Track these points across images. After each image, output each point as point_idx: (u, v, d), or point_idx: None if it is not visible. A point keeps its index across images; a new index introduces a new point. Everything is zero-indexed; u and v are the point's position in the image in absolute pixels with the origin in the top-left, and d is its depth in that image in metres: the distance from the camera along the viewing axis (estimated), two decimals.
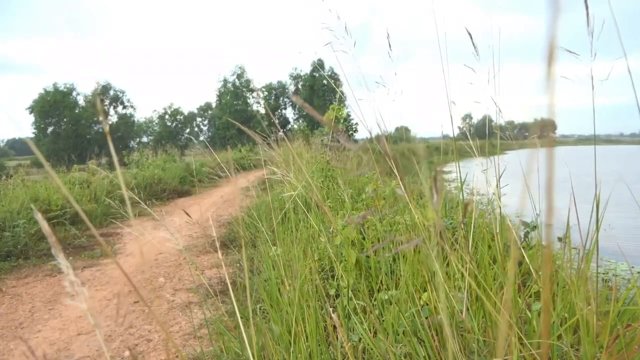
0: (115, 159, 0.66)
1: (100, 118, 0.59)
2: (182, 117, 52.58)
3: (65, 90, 42.76)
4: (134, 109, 48.49)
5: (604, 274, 4.16)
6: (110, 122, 46.44)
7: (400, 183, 0.74)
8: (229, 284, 1.04)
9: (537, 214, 1.97)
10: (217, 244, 1.28)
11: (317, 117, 0.50)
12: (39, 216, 0.56)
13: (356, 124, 6.39)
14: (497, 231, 1.65)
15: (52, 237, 0.54)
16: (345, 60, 1.75)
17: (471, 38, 1.35)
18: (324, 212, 2.89)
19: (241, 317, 1.01)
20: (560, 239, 1.66)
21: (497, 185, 1.71)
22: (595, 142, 1.22)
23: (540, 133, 0.39)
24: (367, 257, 2.25)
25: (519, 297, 1.44)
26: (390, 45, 1.65)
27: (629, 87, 1.08)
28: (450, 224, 2.45)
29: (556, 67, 0.34)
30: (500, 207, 1.66)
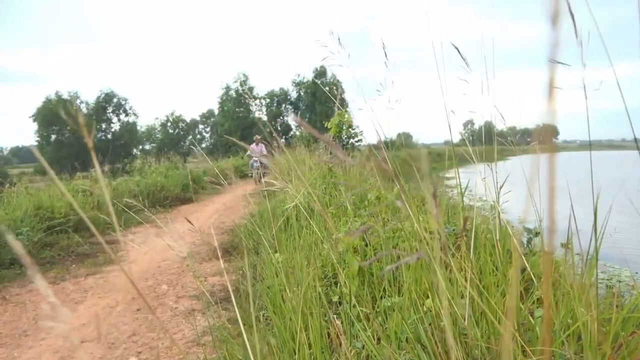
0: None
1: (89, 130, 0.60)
2: (184, 124, 52.85)
3: (68, 98, 43.02)
4: (137, 116, 48.70)
5: (608, 280, 4.13)
6: (113, 130, 46.69)
7: (401, 192, 0.75)
8: (230, 291, 1.05)
9: (540, 220, 1.97)
10: (219, 253, 1.29)
11: (315, 135, 0.51)
12: (9, 237, 0.54)
13: (361, 131, 6.41)
14: (497, 238, 1.65)
15: (26, 259, 0.51)
16: (345, 68, 1.77)
17: (459, 51, 1.36)
18: (325, 220, 2.90)
19: (244, 324, 1.02)
20: (563, 245, 1.66)
21: (497, 192, 1.71)
22: (590, 148, 1.24)
23: (540, 139, 0.40)
24: (370, 263, 2.25)
25: (522, 303, 1.44)
26: (386, 55, 1.67)
27: (628, 92, 1.09)
28: (453, 230, 2.46)
29: (557, 76, 0.36)
30: (499, 214, 1.66)
